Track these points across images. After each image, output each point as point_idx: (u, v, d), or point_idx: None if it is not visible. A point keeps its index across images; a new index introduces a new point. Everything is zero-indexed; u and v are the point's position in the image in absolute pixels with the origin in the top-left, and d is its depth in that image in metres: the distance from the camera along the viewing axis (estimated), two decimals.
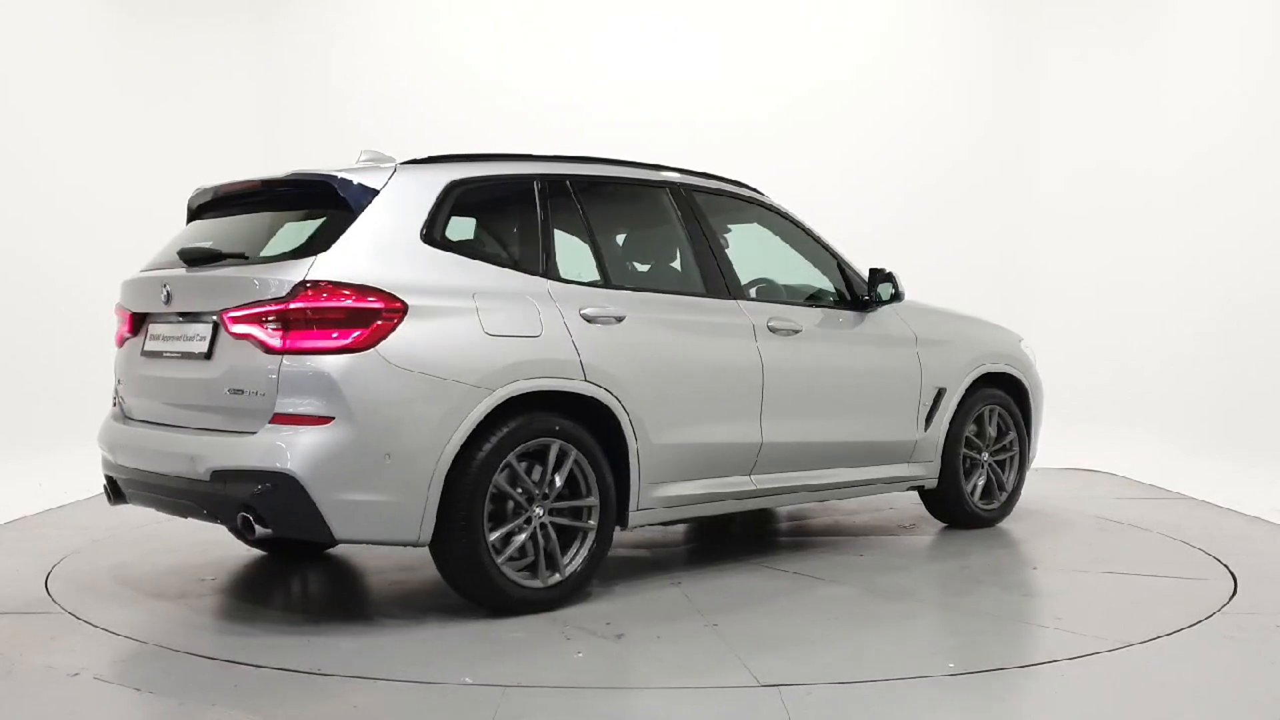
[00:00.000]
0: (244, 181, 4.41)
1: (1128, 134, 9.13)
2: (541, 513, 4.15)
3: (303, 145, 9.28)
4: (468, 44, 9.61)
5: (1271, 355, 7.34)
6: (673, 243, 5.12)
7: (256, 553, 5.25)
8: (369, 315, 3.82)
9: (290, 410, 3.79)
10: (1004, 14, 9.76)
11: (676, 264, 5.14)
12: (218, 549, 5.31)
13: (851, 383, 5.22)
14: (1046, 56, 9.61)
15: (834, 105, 9.57)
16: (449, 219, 4.19)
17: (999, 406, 5.90)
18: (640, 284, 4.87)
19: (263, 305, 3.84)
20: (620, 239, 5.22)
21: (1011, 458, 6.00)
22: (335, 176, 4.11)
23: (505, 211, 4.52)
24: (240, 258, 4.13)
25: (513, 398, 4.04)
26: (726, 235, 5.40)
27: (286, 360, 3.79)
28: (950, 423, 5.63)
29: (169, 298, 4.23)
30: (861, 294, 5.36)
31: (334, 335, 3.78)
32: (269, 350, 3.82)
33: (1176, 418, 8.31)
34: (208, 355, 4.05)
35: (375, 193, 4.05)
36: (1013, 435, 5.98)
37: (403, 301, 3.87)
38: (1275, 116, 7.42)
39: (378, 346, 3.80)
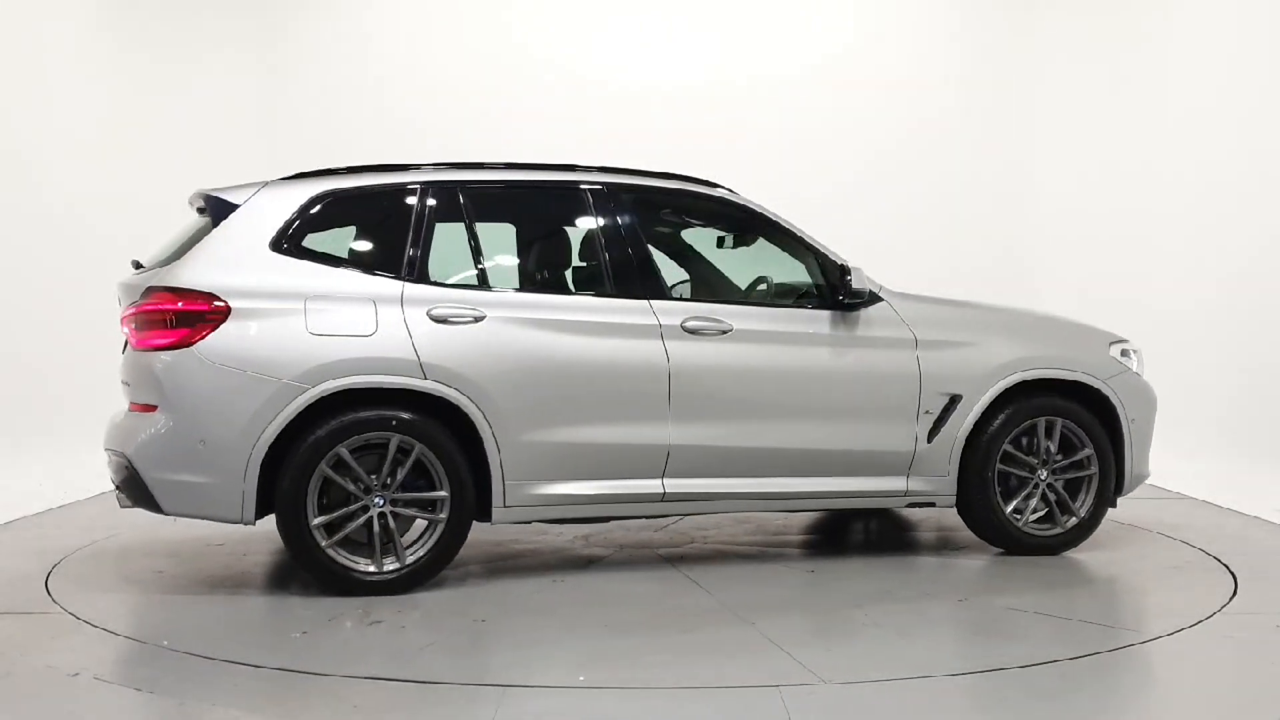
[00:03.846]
0: (191, 196, 4.91)
1: (1128, 133, 9.12)
2: (381, 502, 4.40)
3: (305, 144, 9.28)
4: (470, 43, 9.61)
5: (1272, 356, 7.34)
6: (580, 244, 5.09)
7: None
8: (193, 316, 4.32)
9: (136, 399, 4.48)
10: (999, 6, 9.79)
11: (580, 265, 5.09)
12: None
13: (806, 386, 4.92)
14: (1042, 46, 9.63)
15: (830, 101, 9.58)
16: (309, 228, 4.58)
17: (1062, 418, 5.20)
18: (524, 285, 4.92)
19: (131, 308, 4.48)
20: (513, 243, 5.21)
21: (1087, 478, 5.26)
22: (207, 194, 4.63)
23: (376, 220, 4.83)
24: (140, 266, 4.77)
25: (352, 392, 4.37)
26: (749, 239, 5.28)
27: (138, 355, 4.43)
28: (971, 434, 5.09)
29: (119, 300, 4.77)
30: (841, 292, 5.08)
31: (164, 334, 4.34)
32: (132, 346, 4.48)
33: (1176, 418, 8.29)
34: (124, 349, 4.67)
35: (235, 207, 4.54)
36: (1088, 452, 5.23)
37: (226, 303, 4.32)
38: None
39: (197, 344, 4.29)
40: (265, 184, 4.66)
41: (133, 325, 4.45)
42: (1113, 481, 5.29)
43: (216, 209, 4.56)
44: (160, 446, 4.30)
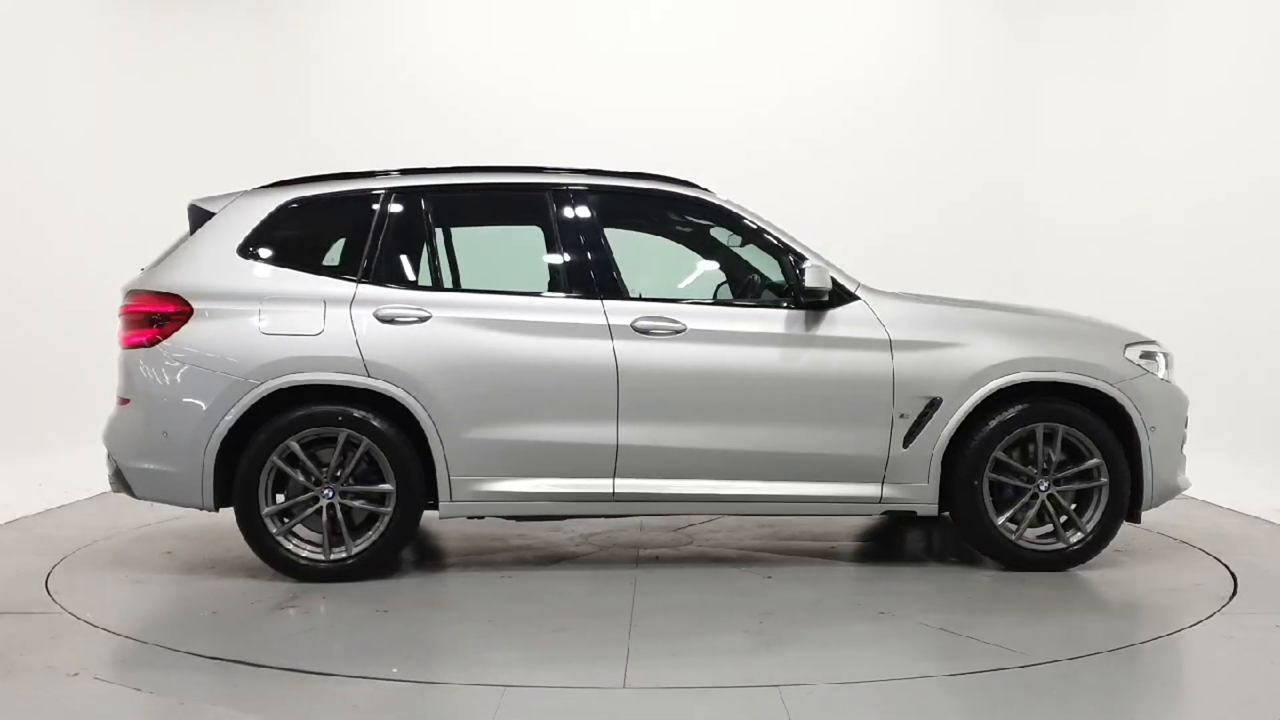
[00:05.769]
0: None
1: (1129, 138, 9.13)
2: (331, 494, 4.63)
3: (305, 146, 9.29)
4: (470, 42, 9.61)
5: (1272, 356, 7.34)
6: (535, 245, 5.11)
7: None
8: (161, 317, 4.68)
9: (120, 393, 4.82)
10: (1000, 9, 9.80)
11: (535, 265, 5.10)
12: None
13: (762, 387, 4.79)
14: (1044, 47, 9.63)
15: (832, 104, 9.59)
16: (274, 234, 4.84)
17: (1065, 425, 4.85)
18: (475, 286, 4.93)
19: (122, 309, 4.83)
20: (470, 245, 5.29)
21: (1096, 489, 4.92)
22: (191, 204, 4.94)
23: (337, 225, 5.04)
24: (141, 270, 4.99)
25: (309, 389, 4.64)
26: (738, 242, 5.21)
27: (123, 353, 4.78)
28: (957, 440, 4.84)
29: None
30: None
31: (140, 333, 4.71)
32: (120, 345, 4.80)
33: None
34: None
35: (210, 215, 4.86)
36: (1095, 462, 4.89)
37: (189, 305, 4.66)
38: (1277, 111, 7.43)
39: (162, 343, 4.66)
40: (240, 193, 4.95)
41: (120, 325, 4.82)
42: (1127, 494, 4.91)
43: (196, 217, 4.89)
44: (131, 437, 4.71)
